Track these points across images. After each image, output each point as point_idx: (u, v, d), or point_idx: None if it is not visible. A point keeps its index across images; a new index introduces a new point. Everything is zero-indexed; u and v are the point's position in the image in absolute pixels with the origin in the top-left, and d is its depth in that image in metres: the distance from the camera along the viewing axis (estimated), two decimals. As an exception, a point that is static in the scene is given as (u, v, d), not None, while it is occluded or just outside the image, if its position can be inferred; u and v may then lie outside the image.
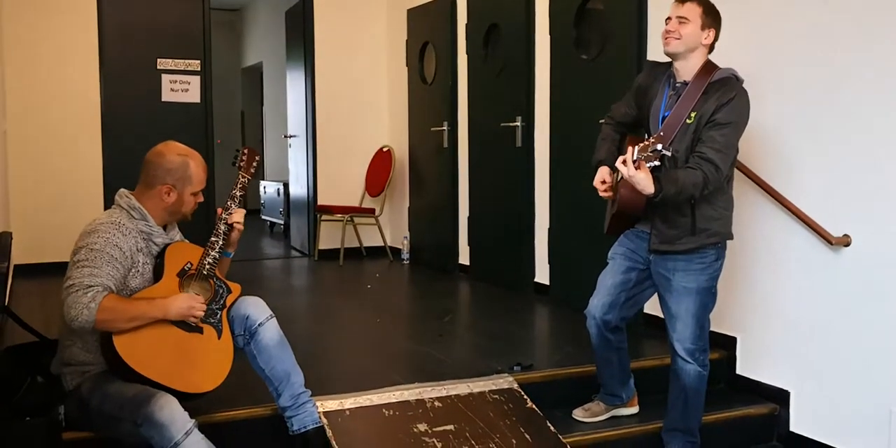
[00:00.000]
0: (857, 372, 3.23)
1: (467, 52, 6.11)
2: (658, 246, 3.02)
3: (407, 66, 7.10)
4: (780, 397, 3.55)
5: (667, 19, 2.99)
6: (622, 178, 2.81)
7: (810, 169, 3.39)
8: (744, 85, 2.96)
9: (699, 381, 3.11)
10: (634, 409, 3.43)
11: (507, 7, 5.55)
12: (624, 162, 2.70)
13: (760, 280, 3.65)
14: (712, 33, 2.97)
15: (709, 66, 2.97)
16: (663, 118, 2.99)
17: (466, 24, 6.11)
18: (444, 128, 6.40)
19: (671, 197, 2.78)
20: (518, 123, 5.37)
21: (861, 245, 3.21)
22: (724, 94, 2.87)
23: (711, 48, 3.01)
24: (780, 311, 3.57)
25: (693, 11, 2.94)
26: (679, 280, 3.03)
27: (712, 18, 2.96)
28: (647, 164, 2.66)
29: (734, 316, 3.80)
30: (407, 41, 7.07)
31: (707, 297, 3.06)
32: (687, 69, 2.98)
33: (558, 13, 5.01)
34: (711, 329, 3.85)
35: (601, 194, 3.08)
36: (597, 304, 3.18)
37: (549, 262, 5.16)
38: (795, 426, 3.50)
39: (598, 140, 3.22)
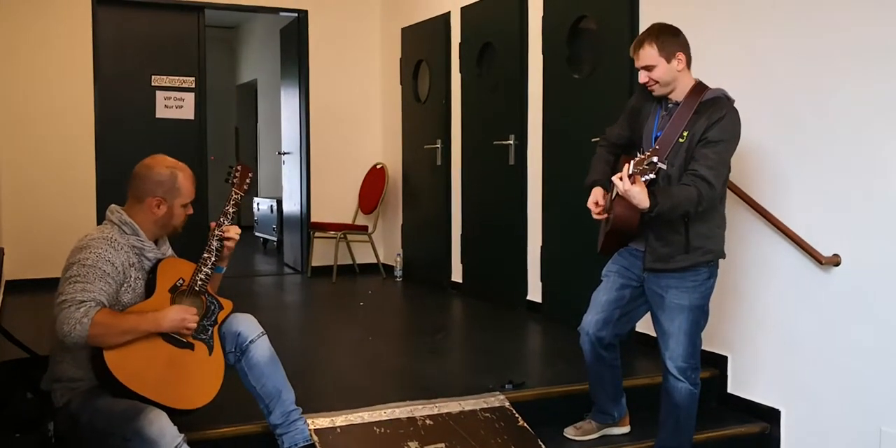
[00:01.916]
0: (847, 391, 3.24)
1: (461, 71, 6.14)
2: (652, 264, 3.03)
3: (401, 84, 7.14)
4: (771, 416, 3.56)
5: (638, 70, 3.02)
6: (617, 195, 2.83)
7: (800, 189, 3.42)
8: (735, 105, 2.98)
9: (690, 400, 3.11)
10: (626, 429, 3.43)
11: (500, 26, 5.59)
12: (620, 177, 2.72)
13: (751, 299, 3.67)
14: (681, 55, 2.97)
15: (699, 87, 3.00)
16: (656, 138, 3.02)
17: (460, 43, 6.14)
18: (438, 145, 6.42)
19: (666, 212, 2.80)
20: (511, 142, 5.40)
21: (851, 265, 3.23)
22: (714, 113, 2.89)
23: (690, 61, 3.01)
24: (770, 331, 3.58)
25: (650, 56, 2.95)
26: (672, 297, 3.04)
27: (670, 46, 2.95)
28: (643, 178, 2.68)
29: (725, 335, 3.81)
30: (401, 59, 7.11)
31: (699, 315, 3.07)
32: (678, 93, 3.01)
33: (551, 32, 5.05)
34: (703, 348, 3.86)
35: (594, 216, 3.09)
36: (590, 321, 3.18)
37: (542, 280, 5.17)
38: (786, 445, 3.50)
39: (592, 161, 3.24)
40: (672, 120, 2.97)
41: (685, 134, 2.93)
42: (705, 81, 3.04)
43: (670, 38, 2.96)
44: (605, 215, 3.05)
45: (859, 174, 3.18)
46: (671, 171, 2.93)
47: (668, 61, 2.95)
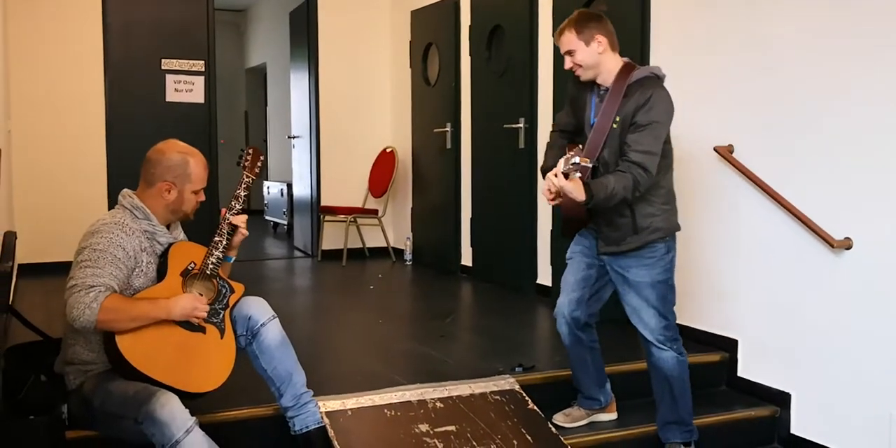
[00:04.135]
0: (858, 375, 3.24)
1: (470, 54, 6.12)
2: (606, 249, 3.09)
3: (410, 67, 7.11)
4: (781, 400, 3.56)
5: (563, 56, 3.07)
6: None
7: (812, 171, 3.39)
8: (665, 82, 3.00)
9: (680, 368, 3.13)
10: (613, 415, 3.43)
11: (510, 9, 5.56)
12: (555, 174, 2.76)
13: (762, 283, 3.65)
14: (600, 38, 2.99)
15: (627, 68, 3.02)
16: (592, 125, 3.05)
17: (470, 26, 6.12)
18: (447, 129, 6.41)
19: (602, 202, 2.84)
20: (521, 125, 5.38)
21: (862, 248, 3.21)
22: (641, 95, 2.92)
23: (614, 45, 3.03)
24: (781, 314, 3.57)
25: (570, 41, 3.01)
26: (633, 276, 3.07)
27: (588, 30, 2.99)
28: (574, 176, 2.72)
29: (735, 318, 3.80)
30: (410, 42, 7.08)
31: (664, 290, 3.09)
32: (606, 77, 3.04)
33: (561, 15, 5.00)
34: (712, 331, 3.88)
35: (549, 203, 3.12)
36: (564, 302, 3.22)
37: (552, 264, 5.17)
38: (796, 429, 3.50)
39: (546, 148, 3.29)
40: (603, 106, 3.00)
41: (617, 119, 2.96)
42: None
43: (588, 23, 3.01)
44: (559, 201, 3.08)
45: (871, 155, 3.15)
46: (609, 157, 2.97)
47: (588, 44, 2.99)
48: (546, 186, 3.10)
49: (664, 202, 3.06)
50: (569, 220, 3.18)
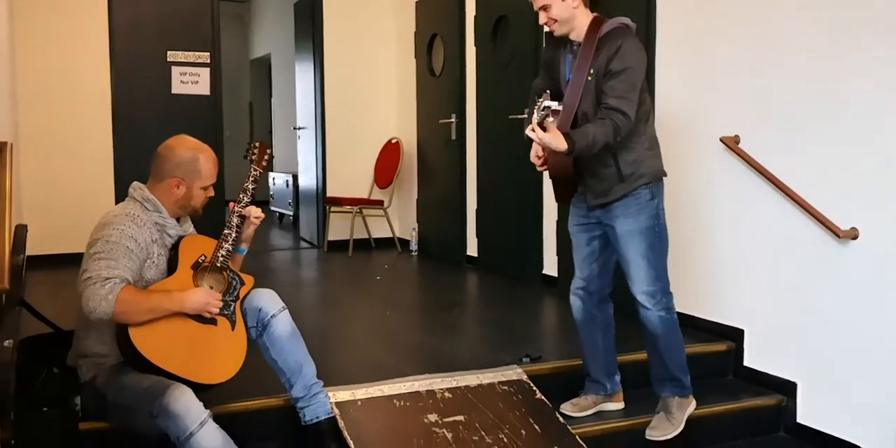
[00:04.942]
0: (864, 364, 3.25)
1: (475, 45, 6.12)
2: (594, 201, 3.12)
3: (415, 58, 7.11)
4: (788, 389, 3.57)
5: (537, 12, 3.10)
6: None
7: (817, 162, 3.40)
8: (634, 31, 3.03)
9: (665, 327, 3.14)
10: (620, 405, 3.44)
11: (515, -1, 5.56)
12: (532, 129, 2.79)
13: (768, 272, 3.67)
14: None
15: (597, 22, 3.05)
16: (568, 81, 3.09)
17: (475, 17, 6.11)
18: (453, 120, 6.41)
19: (585, 149, 2.86)
20: (526, 115, 5.37)
21: (868, 238, 3.22)
22: (612, 45, 2.96)
23: (586, 1, 3.07)
24: (787, 304, 3.58)
25: None
26: (621, 226, 3.10)
27: None
28: (548, 122, 2.74)
29: (742, 308, 3.82)
30: (415, 33, 7.08)
31: (652, 237, 3.10)
32: (578, 32, 3.07)
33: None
34: (718, 320, 3.89)
35: (538, 169, 3.16)
36: (577, 280, 3.32)
37: (558, 254, 5.18)
38: (802, 418, 3.52)
39: (526, 116, 3.30)
40: (578, 61, 3.04)
41: (591, 71, 3.00)
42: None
43: None
44: (547, 166, 3.12)
45: (877, 146, 3.16)
46: (587, 109, 3.01)
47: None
48: (533, 152, 3.13)
49: (648, 148, 3.10)
50: (559, 182, 3.18)
